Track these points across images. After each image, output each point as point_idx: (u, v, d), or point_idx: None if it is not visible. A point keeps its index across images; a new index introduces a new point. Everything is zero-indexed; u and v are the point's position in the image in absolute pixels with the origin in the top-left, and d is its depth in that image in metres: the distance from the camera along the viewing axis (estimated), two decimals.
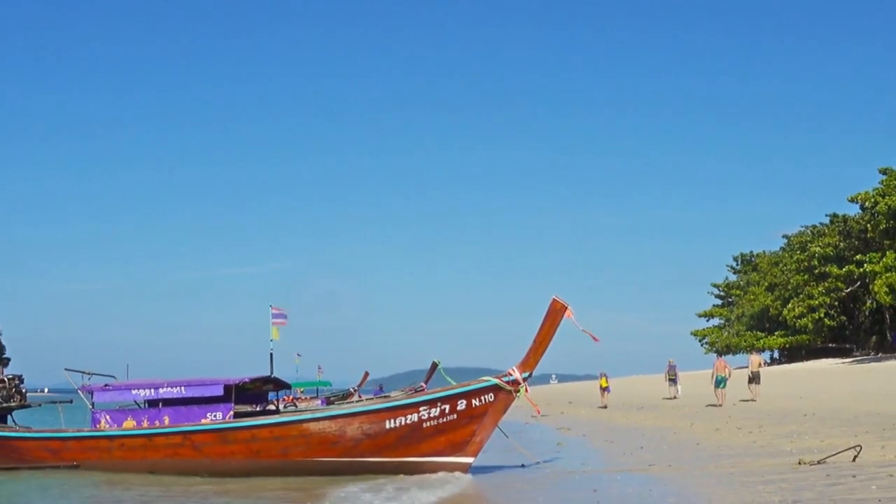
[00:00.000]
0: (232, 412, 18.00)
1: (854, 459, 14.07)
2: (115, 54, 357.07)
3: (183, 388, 18.39)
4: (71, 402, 21.82)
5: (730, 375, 34.29)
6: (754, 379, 34.53)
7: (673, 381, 42.51)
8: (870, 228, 65.11)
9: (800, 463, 14.53)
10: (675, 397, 41.27)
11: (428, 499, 14.14)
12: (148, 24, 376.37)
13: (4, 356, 21.40)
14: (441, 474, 16.49)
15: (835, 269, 67.81)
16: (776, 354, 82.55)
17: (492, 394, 16.64)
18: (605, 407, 40.29)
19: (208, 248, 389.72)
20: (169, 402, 18.51)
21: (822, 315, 70.52)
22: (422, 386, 18.13)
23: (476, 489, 15.54)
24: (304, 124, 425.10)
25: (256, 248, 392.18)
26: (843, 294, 69.67)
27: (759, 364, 36.30)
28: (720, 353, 36.19)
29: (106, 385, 19.36)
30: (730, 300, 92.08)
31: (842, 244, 69.60)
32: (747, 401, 33.21)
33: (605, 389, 42.59)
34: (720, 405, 32.42)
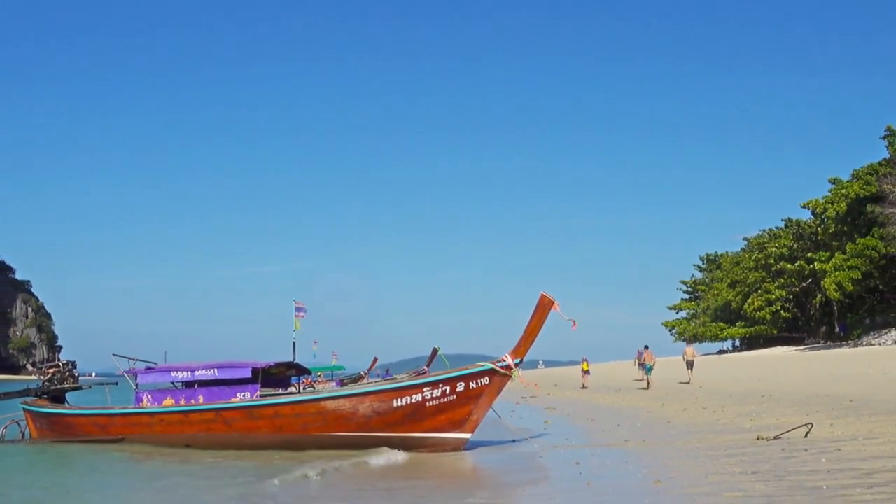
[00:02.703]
0: (259, 392, 18.04)
1: (806, 436, 14.11)
2: (161, 81, 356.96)
3: (216, 370, 18.41)
4: (117, 384, 21.88)
5: (654, 364, 36.82)
6: (689, 366, 36.75)
7: (643, 365, 42.63)
8: (820, 232, 65.14)
9: (758, 438, 14.57)
10: (643, 379, 41.50)
11: (428, 471, 14.17)
12: (190, 55, 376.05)
13: (57, 344, 21.52)
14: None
15: (789, 267, 67.83)
16: (737, 343, 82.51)
17: (487, 377, 16.65)
18: (586, 388, 40.35)
19: (237, 249, 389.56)
20: (203, 384, 18.55)
21: (778, 308, 70.53)
22: (424, 370, 18.13)
23: (473, 462, 15.57)
24: (323, 141, 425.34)
25: (279, 249, 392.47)
26: (797, 289, 69.64)
27: (693, 354, 38.33)
28: (647, 346, 37.50)
29: (148, 368, 19.41)
30: (696, 295, 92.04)
31: (795, 245, 69.57)
32: (684, 383, 35.10)
33: (585, 373, 42.66)
34: (647, 388, 34.24)
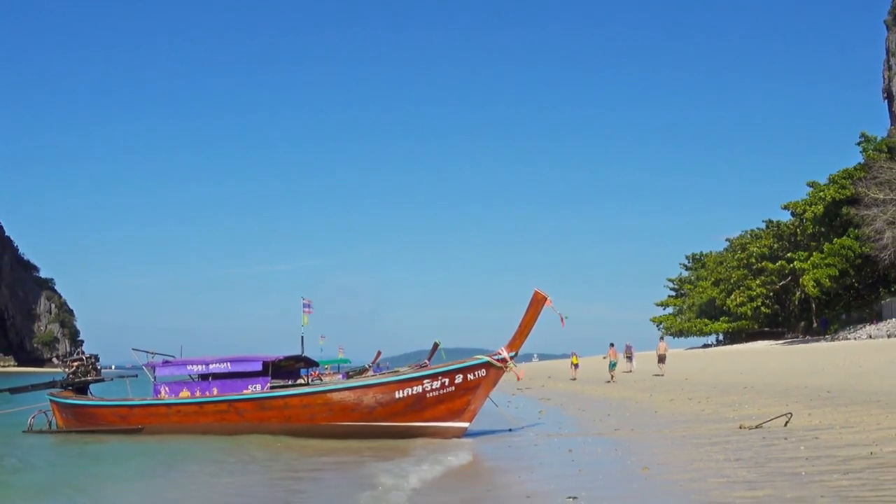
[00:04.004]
0: (269, 384, 18.04)
1: (786, 425, 14.13)
2: (174, 88, 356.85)
3: (229, 363, 18.43)
4: (136, 376, 21.89)
5: (617, 360, 37.91)
6: (661, 359, 38.13)
7: (629, 358, 42.84)
8: (799, 232, 65.12)
9: (740, 427, 14.58)
10: (630, 371, 41.67)
11: (428, 459, 14.16)
12: (202, 64, 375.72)
13: (79, 338, 21.54)
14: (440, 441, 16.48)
15: (770, 266, 67.82)
16: (721, 337, 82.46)
17: (484, 369, 16.67)
18: (575, 379, 40.46)
19: (247, 248, 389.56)
20: (217, 376, 18.56)
21: (759, 304, 70.52)
22: (425, 363, 18.14)
23: (472, 450, 15.56)
24: (328, 146, 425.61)
25: (287, 248, 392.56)
26: (777, 287, 69.62)
27: (665, 349, 39.72)
28: (613, 344, 37.78)
29: (165, 362, 19.43)
30: (682, 292, 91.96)
31: (776, 245, 69.58)
32: (658, 375, 36.01)
33: (575, 366, 42.79)
34: (612, 381, 34.76)
